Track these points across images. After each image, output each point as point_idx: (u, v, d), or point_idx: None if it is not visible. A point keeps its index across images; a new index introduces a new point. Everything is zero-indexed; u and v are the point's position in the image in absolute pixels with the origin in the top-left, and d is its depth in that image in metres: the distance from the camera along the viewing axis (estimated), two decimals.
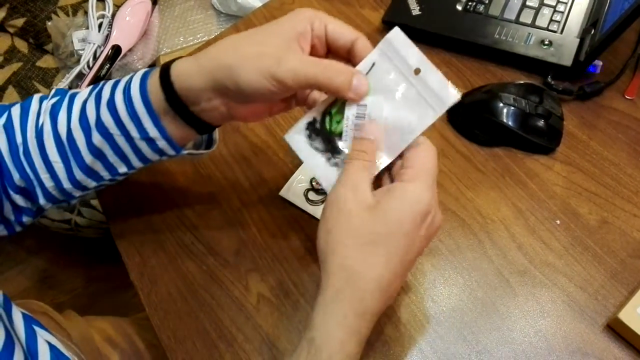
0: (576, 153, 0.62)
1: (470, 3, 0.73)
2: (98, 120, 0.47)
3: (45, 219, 1.06)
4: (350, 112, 0.43)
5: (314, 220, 0.59)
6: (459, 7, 0.73)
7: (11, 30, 1.03)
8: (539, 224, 0.58)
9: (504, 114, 0.61)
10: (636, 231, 0.57)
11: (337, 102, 0.44)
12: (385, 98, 0.43)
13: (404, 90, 0.42)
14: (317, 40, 0.44)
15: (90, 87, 0.50)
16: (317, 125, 0.45)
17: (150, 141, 0.48)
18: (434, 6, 0.73)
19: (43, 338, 0.48)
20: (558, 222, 0.58)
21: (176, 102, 0.45)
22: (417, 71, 0.42)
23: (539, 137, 0.62)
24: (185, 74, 0.44)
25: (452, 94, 0.41)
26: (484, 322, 0.52)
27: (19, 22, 1.01)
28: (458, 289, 0.54)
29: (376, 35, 0.74)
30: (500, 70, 0.70)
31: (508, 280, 0.54)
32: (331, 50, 0.45)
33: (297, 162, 0.63)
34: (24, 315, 0.49)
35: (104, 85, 0.49)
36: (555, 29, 0.69)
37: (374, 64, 0.43)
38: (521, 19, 0.71)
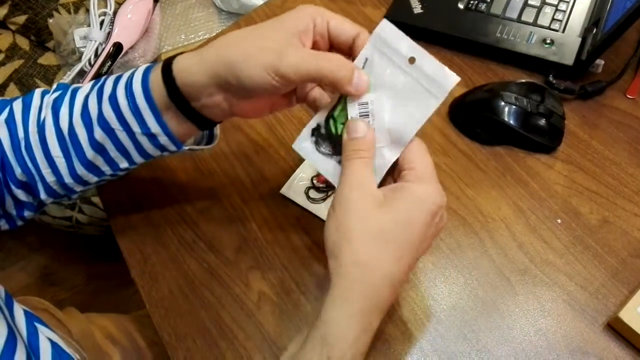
0: (577, 152, 0.62)
1: (472, 1, 0.73)
2: (100, 115, 0.47)
3: (46, 216, 1.07)
4: (353, 112, 0.43)
5: (315, 219, 0.59)
6: (461, 6, 0.73)
7: (13, 27, 1.03)
8: (540, 222, 0.58)
9: (506, 112, 0.61)
10: (637, 230, 0.57)
11: (339, 105, 0.44)
12: (386, 93, 0.43)
13: (402, 82, 0.42)
14: (319, 37, 0.44)
15: (92, 81, 0.50)
16: (322, 131, 0.45)
17: (151, 136, 0.48)
18: (436, 4, 0.73)
19: (44, 335, 0.48)
20: (559, 221, 0.58)
21: (178, 97, 0.45)
22: (411, 60, 0.42)
23: (540, 136, 0.62)
24: (187, 69, 0.45)
25: (451, 78, 0.41)
26: (484, 321, 0.52)
27: (21, 19, 1.01)
28: (459, 287, 0.54)
29: None
30: (501, 69, 0.69)
31: (509, 279, 0.54)
32: (333, 46, 0.45)
33: (299, 160, 0.63)
34: (25, 312, 0.49)
35: (105, 80, 0.49)
36: (557, 28, 0.69)
37: (367, 60, 0.43)
38: (523, 18, 0.71)
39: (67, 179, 0.50)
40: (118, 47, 0.99)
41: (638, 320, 0.49)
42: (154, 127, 0.47)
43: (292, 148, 0.46)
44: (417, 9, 0.73)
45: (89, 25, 1.02)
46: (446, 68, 0.41)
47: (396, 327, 0.52)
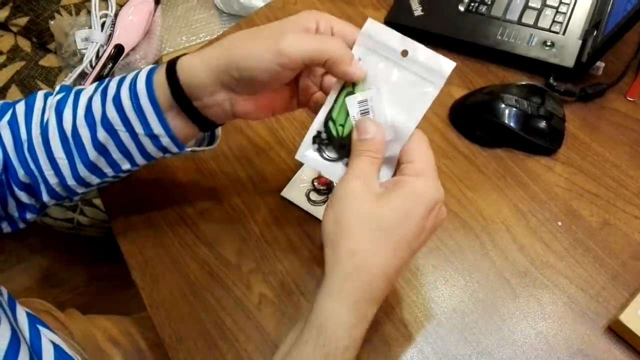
0: (578, 154, 0.62)
1: (472, 4, 0.73)
2: (104, 116, 0.48)
3: (48, 218, 1.07)
4: (354, 111, 0.43)
5: (315, 221, 0.59)
6: (462, 8, 0.73)
7: (14, 29, 1.03)
8: (540, 225, 0.58)
9: (506, 115, 0.61)
10: (637, 233, 0.57)
11: (336, 106, 0.44)
12: (383, 88, 0.43)
13: (398, 75, 0.42)
14: None
15: (96, 83, 0.50)
16: (324, 136, 0.45)
17: (154, 138, 0.48)
18: (436, 7, 0.74)
19: (47, 337, 0.48)
20: (559, 223, 0.58)
21: (181, 96, 0.46)
22: (404, 53, 0.42)
23: (540, 139, 0.62)
24: (190, 67, 0.45)
25: (447, 64, 0.41)
26: (484, 323, 0.52)
27: (22, 21, 1.02)
28: (459, 289, 0.54)
29: None
30: (502, 71, 0.70)
31: (509, 282, 0.54)
32: None
33: (299, 163, 0.63)
34: (28, 314, 0.49)
35: (109, 81, 0.49)
36: (558, 30, 0.69)
37: (359, 60, 0.43)
38: (523, 20, 0.71)
39: (70, 181, 0.50)
40: (119, 48, 0.99)
41: (639, 323, 0.49)
42: (157, 128, 0.47)
43: (296, 159, 0.45)
44: (418, 11, 0.73)
45: (90, 27, 1.02)
46: (440, 56, 0.41)
47: (396, 329, 0.52)
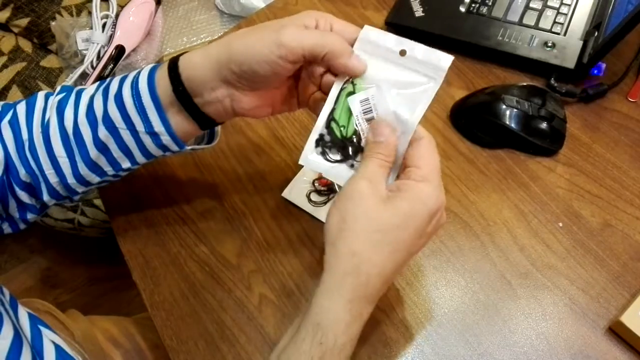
0: (579, 155, 0.62)
1: (473, 5, 0.73)
2: (105, 114, 0.48)
3: (48, 218, 1.07)
4: (356, 110, 0.43)
5: (316, 222, 0.59)
6: (462, 9, 0.73)
7: (15, 30, 1.04)
8: (541, 226, 0.58)
9: (507, 116, 0.61)
10: (638, 234, 0.57)
11: (337, 107, 0.44)
12: (384, 86, 0.43)
13: (398, 74, 0.43)
14: None
15: (97, 83, 0.51)
16: (327, 138, 0.45)
17: (154, 135, 0.48)
18: (437, 7, 0.74)
19: (48, 338, 0.48)
20: (560, 224, 0.58)
21: (182, 92, 0.46)
22: (402, 53, 0.43)
23: (541, 139, 0.62)
24: (192, 63, 0.46)
25: (445, 58, 0.41)
26: (485, 325, 0.52)
27: (23, 22, 1.02)
28: (460, 291, 0.54)
29: None
30: (503, 72, 0.70)
31: (510, 283, 0.54)
32: None
33: (300, 164, 0.63)
34: (29, 314, 0.49)
35: (111, 80, 0.50)
36: (559, 31, 0.69)
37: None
38: (524, 21, 0.71)
39: (70, 179, 0.51)
40: (120, 49, 0.99)
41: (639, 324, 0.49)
42: (157, 125, 0.48)
43: (299, 164, 0.45)
44: (419, 12, 0.73)
45: (91, 28, 1.02)
46: (438, 50, 0.42)
47: (397, 330, 0.52)
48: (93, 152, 0.49)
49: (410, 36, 0.43)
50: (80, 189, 0.52)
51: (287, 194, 0.61)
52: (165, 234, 0.60)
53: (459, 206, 0.59)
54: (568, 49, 0.67)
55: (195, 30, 1.09)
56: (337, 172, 0.45)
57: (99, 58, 1.00)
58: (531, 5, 0.72)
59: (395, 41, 0.43)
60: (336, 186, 0.61)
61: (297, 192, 0.61)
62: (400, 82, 0.43)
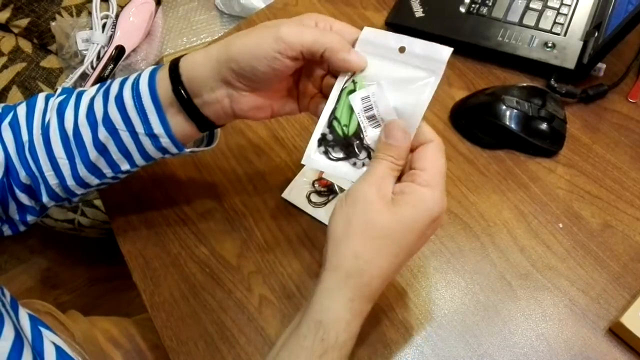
0: (579, 156, 0.62)
1: (473, 5, 0.73)
2: (105, 115, 0.48)
3: (48, 219, 1.07)
4: (357, 107, 0.43)
5: (316, 222, 0.59)
6: (462, 9, 0.73)
7: (15, 30, 1.04)
8: (542, 227, 0.58)
9: (507, 116, 0.61)
10: (639, 235, 0.57)
11: (338, 106, 0.44)
12: (385, 84, 0.43)
13: (398, 71, 0.43)
14: None
15: (97, 85, 0.51)
16: (329, 137, 0.45)
17: (154, 138, 0.48)
18: (437, 8, 0.73)
19: (48, 339, 0.48)
20: (560, 225, 0.58)
21: (181, 92, 0.46)
22: (401, 50, 0.43)
23: (541, 140, 0.62)
24: (192, 63, 0.46)
25: (443, 51, 0.42)
26: (485, 325, 0.52)
27: (23, 22, 1.02)
28: (460, 291, 0.54)
29: None
30: (503, 73, 0.70)
31: (510, 284, 0.54)
32: None
33: (300, 164, 0.63)
34: (30, 316, 0.49)
35: (111, 82, 0.50)
36: (559, 32, 0.69)
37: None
38: (524, 22, 0.71)
39: (70, 181, 0.51)
40: (120, 50, 0.99)
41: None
42: (157, 127, 0.48)
43: (302, 164, 0.45)
44: (419, 12, 0.73)
45: (91, 28, 1.02)
46: (436, 44, 0.42)
47: (397, 332, 0.52)
48: (93, 153, 0.49)
49: (411, 36, 0.43)
50: (79, 190, 0.52)
51: (287, 194, 0.61)
52: (165, 235, 0.60)
53: (459, 207, 0.59)
54: (568, 49, 0.67)
55: (195, 31, 1.09)
56: (341, 170, 0.45)
57: (99, 58, 1.00)
58: (531, 5, 0.72)
59: (394, 39, 0.43)
60: (336, 187, 0.61)
61: (297, 192, 0.61)
62: (401, 78, 0.43)
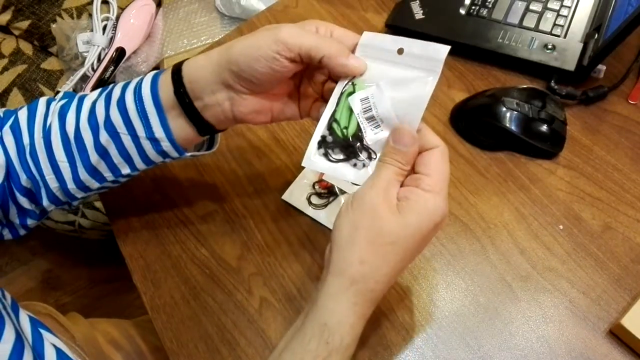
0: (579, 158, 0.62)
1: (473, 7, 0.73)
2: (107, 119, 0.48)
3: (49, 221, 1.07)
4: (357, 108, 0.44)
5: (316, 224, 0.59)
6: (462, 11, 0.73)
7: (16, 32, 1.04)
8: (542, 229, 0.58)
9: (507, 118, 0.61)
10: (639, 236, 0.56)
11: (338, 108, 0.44)
12: (384, 85, 0.43)
13: (397, 72, 0.43)
14: None
15: (99, 89, 0.51)
16: (329, 139, 0.45)
17: (154, 141, 0.49)
18: (437, 10, 0.74)
19: (49, 341, 0.48)
20: (561, 227, 0.58)
21: (183, 94, 0.47)
22: (400, 51, 0.43)
23: (542, 142, 0.62)
24: (194, 67, 0.47)
25: (441, 49, 0.42)
26: (486, 327, 0.52)
27: (24, 24, 1.02)
28: (460, 293, 0.54)
29: None
30: (503, 75, 0.70)
31: (510, 285, 0.54)
32: None
33: (300, 166, 0.63)
34: (30, 318, 0.49)
35: (114, 86, 0.50)
36: (559, 34, 0.69)
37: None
38: (524, 23, 0.71)
39: (70, 185, 0.51)
40: (121, 52, 1.00)
41: None
42: (158, 131, 0.48)
43: (302, 166, 0.45)
44: (419, 14, 0.73)
45: (91, 30, 1.02)
46: (434, 43, 0.42)
47: (398, 333, 0.52)
48: (94, 157, 0.49)
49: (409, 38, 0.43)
50: (79, 194, 0.52)
51: (287, 196, 0.61)
52: (166, 237, 0.60)
53: (459, 209, 0.59)
54: (568, 51, 0.67)
55: (196, 33, 1.09)
56: (341, 171, 0.45)
57: (99, 60, 1.00)
58: (531, 7, 0.72)
59: (392, 41, 0.44)
60: (337, 189, 0.61)
61: (297, 194, 0.61)
62: (400, 79, 0.43)
